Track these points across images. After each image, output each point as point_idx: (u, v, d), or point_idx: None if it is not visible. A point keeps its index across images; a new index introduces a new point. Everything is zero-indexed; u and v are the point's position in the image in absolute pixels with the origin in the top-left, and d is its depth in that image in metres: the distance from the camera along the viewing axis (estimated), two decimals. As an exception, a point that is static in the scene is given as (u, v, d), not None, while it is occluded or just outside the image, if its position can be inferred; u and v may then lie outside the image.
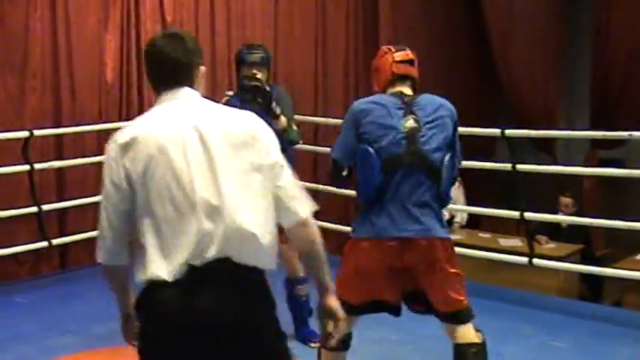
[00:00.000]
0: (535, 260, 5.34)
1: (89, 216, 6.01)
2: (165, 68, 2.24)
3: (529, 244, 5.56)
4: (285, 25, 7.33)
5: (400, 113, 3.06)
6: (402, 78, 3.19)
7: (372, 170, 3.03)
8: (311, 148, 7.06)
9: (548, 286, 5.82)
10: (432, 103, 3.15)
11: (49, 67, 5.87)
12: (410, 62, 3.23)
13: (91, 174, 5.75)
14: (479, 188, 7.75)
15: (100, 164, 6.53)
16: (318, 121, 7.20)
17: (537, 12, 7.77)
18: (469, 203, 7.01)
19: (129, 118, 6.22)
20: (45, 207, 5.55)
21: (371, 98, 3.18)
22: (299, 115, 7.01)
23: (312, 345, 4.10)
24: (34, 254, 5.72)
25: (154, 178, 2.08)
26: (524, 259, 5.39)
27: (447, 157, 3.11)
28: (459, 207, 6.91)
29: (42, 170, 5.57)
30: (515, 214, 5.44)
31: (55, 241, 5.63)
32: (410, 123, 3.05)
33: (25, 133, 5.38)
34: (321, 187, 6.45)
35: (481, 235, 6.96)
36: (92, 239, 6.26)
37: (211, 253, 2.04)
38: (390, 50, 3.25)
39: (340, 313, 2.29)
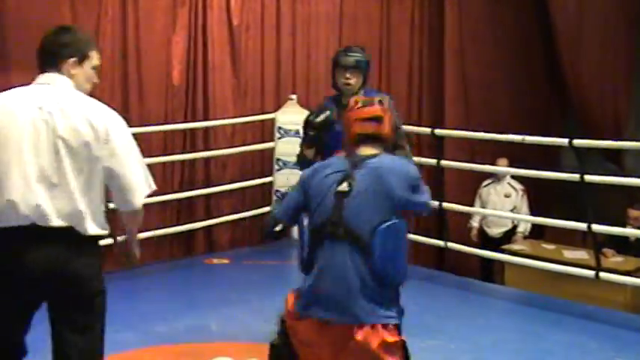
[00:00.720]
0: (602, 274, 5.20)
1: (152, 214, 6.15)
2: (41, 55, 2.79)
3: (596, 257, 5.41)
4: (350, 30, 7.35)
5: (339, 176, 2.69)
6: (367, 139, 2.79)
7: (303, 241, 2.75)
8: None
9: (613, 301, 5.66)
10: (384, 166, 2.70)
11: (119, 68, 6.00)
12: (377, 120, 2.80)
13: (157, 173, 5.84)
14: (544, 198, 7.60)
15: (164, 164, 6.64)
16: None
17: (609, 18, 7.58)
18: (533, 213, 6.87)
19: (194, 119, 6.33)
20: (112, 205, 5.65)
21: (324, 161, 2.90)
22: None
23: None
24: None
25: None
26: (591, 273, 5.25)
27: (383, 227, 2.62)
28: (522, 217, 6.79)
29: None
30: (583, 225, 5.29)
31: (119, 238, 5.72)
32: (342, 187, 2.67)
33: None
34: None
35: (545, 246, 6.81)
36: (156, 237, 6.41)
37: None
38: (357, 104, 2.87)
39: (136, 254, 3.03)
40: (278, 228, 2.89)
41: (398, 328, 2.70)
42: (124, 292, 5.58)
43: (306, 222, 2.75)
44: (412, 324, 4.67)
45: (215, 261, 5.88)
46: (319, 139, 3.88)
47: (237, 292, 5.24)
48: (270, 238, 2.93)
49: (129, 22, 5.99)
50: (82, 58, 2.78)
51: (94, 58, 2.84)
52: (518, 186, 6.99)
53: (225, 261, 5.87)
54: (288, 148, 6.55)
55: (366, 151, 2.76)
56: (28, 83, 5.68)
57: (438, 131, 6.27)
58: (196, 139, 6.39)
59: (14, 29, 5.41)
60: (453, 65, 7.83)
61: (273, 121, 6.67)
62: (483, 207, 7.01)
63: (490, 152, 7.24)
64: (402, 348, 2.68)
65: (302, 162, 4.02)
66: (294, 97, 6.76)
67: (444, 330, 4.59)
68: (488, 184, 7.11)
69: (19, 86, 5.35)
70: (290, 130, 6.60)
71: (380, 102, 2.85)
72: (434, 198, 6.21)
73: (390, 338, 2.62)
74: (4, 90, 5.39)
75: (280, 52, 6.90)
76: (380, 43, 7.56)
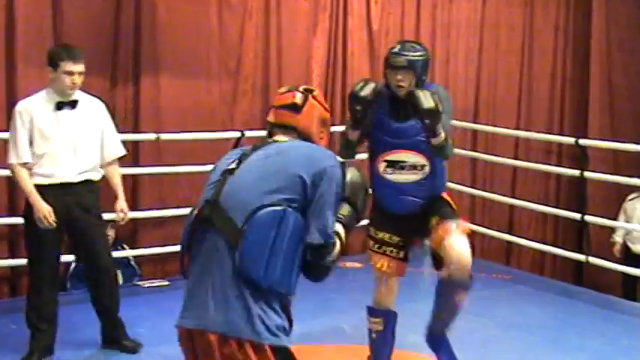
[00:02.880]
0: None
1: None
2: None
3: None
4: (491, 35, 7.21)
5: (234, 156, 2.29)
6: (278, 127, 2.35)
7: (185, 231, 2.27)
8: (510, 161, 6.88)
9: None
10: (287, 149, 2.23)
11: (260, 71, 6.16)
12: (292, 108, 2.34)
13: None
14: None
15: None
16: (520, 134, 7.04)
17: None
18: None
19: (332, 123, 6.39)
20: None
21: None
22: (501, 127, 6.93)
23: None
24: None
25: None
26: None
27: (263, 212, 2.07)
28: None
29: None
30: None
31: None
32: (230, 165, 2.23)
33: (236, 134, 5.69)
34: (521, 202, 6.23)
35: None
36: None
37: None
38: (278, 92, 2.47)
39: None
40: None
41: (278, 352, 2.10)
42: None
43: None
44: (551, 340, 4.58)
45: (348, 264, 5.90)
46: (365, 118, 3.49)
47: (369, 296, 5.23)
48: None
49: (271, 27, 6.14)
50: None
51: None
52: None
53: (358, 265, 5.88)
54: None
55: (278, 138, 2.33)
56: (176, 85, 5.95)
57: (582, 141, 6.02)
58: (333, 142, 6.44)
59: (164, 32, 5.67)
60: (599, 73, 7.52)
61: (409, 126, 6.63)
62: (628, 222, 6.67)
63: (635, 165, 6.90)
64: None
65: (346, 147, 3.63)
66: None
67: (586, 348, 4.39)
68: (635, 197, 6.74)
69: (165, 89, 5.66)
70: (427, 136, 6.54)
71: (307, 90, 2.40)
72: (576, 210, 6.07)
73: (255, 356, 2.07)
74: (154, 91, 5.68)
75: (418, 57, 6.85)
76: (522, 49, 7.37)
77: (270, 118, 2.37)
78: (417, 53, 3.51)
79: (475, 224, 6.80)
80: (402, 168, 3.52)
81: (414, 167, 3.51)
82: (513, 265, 7.11)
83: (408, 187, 3.52)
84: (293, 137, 2.30)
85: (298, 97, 2.33)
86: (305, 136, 2.30)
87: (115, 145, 4.25)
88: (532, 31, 7.41)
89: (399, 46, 3.56)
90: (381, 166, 3.55)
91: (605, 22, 7.52)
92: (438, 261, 3.54)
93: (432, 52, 6.88)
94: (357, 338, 3.85)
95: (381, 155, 3.56)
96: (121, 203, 4.28)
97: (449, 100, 3.61)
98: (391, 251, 3.61)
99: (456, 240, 3.40)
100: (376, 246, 3.64)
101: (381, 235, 3.62)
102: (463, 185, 6.74)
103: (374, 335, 3.69)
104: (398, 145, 3.51)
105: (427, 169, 3.51)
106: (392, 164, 3.53)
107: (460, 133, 6.91)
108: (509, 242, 7.00)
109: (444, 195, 3.65)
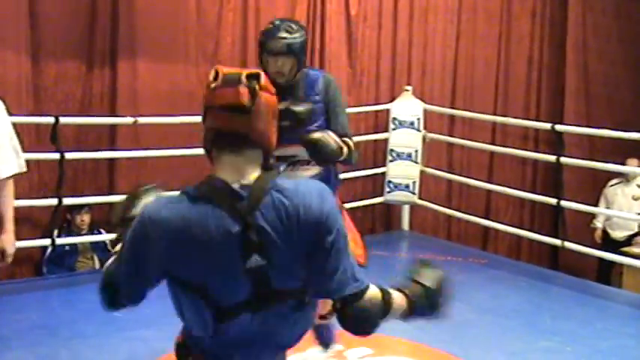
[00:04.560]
0: None
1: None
2: None
3: None
4: (469, 21, 7.23)
5: (234, 242, 1.69)
6: (227, 138, 1.73)
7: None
8: (487, 147, 6.92)
9: None
10: (290, 201, 1.69)
11: (238, 56, 6.13)
12: (239, 110, 1.70)
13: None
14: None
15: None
16: (496, 120, 7.09)
17: None
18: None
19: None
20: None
21: (166, 210, 1.72)
22: (479, 112, 6.97)
23: None
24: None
25: None
26: None
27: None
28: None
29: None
30: None
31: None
32: (255, 261, 1.67)
33: (214, 118, 5.65)
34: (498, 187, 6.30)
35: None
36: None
37: None
38: (211, 84, 1.73)
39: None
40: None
41: None
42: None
43: None
44: (526, 323, 4.64)
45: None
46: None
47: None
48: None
49: (249, 11, 6.10)
50: None
51: None
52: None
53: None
54: (402, 139, 6.55)
55: (231, 172, 1.71)
56: (154, 69, 5.92)
57: (558, 127, 6.07)
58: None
59: (142, 16, 5.62)
60: (575, 59, 7.57)
61: (387, 111, 6.65)
62: (608, 207, 6.75)
63: (610, 151, 6.97)
64: None
65: None
66: (409, 88, 6.71)
67: (560, 332, 4.45)
68: (616, 184, 6.83)
69: (143, 73, 5.62)
70: (405, 121, 6.57)
71: (251, 77, 1.72)
72: (552, 195, 6.13)
73: None
74: (131, 75, 5.64)
75: (396, 42, 6.87)
76: (499, 35, 7.40)
77: (211, 123, 1.72)
78: (296, 35, 3.14)
79: (452, 209, 6.86)
80: (294, 164, 3.21)
81: (307, 162, 3.19)
82: (490, 250, 7.18)
83: None
84: (248, 157, 1.73)
85: (244, 96, 1.68)
86: (259, 144, 1.74)
87: (4, 160, 3.17)
88: (509, 17, 7.44)
89: (273, 28, 3.15)
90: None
91: (582, 9, 7.56)
92: None
93: (410, 38, 6.92)
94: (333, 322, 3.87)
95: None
96: (4, 240, 3.24)
97: (339, 89, 3.31)
98: None
99: None
100: None
101: None
102: (440, 170, 6.78)
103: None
104: (286, 139, 2.77)
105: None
106: (283, 160, 3.18)
107: (437, 118, 6.94)
108: (485, 227, 7.06)
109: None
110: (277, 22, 3.24)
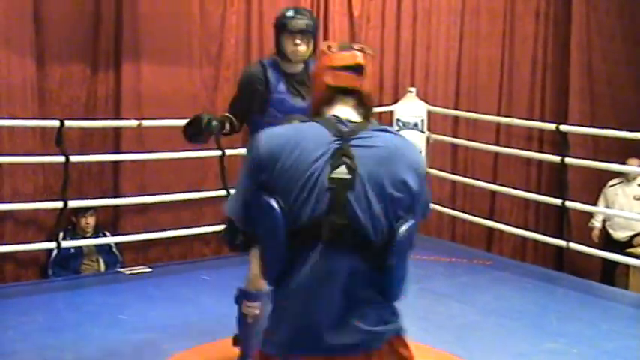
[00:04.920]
0: None
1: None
2: None
3: None
4: (472, 22, 7.24)
5: (328, 153, 1.89)
6: (342, 93, 2.04)
7: (276, 241, 1.89)
8: (491, 148, 6.91)
9: None
10: (388, 143, 1.94)
11: (242, 58, 6.15)
12: (357, 69, 2.05)
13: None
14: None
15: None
16: (501, 121, 7.08)
17: None
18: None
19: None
20: (232, 191, 5.80)
21: (286, 128, 2.03)
22: (482, 113, 6.96)
23: None
24: (219, 235, 6.01)
25: None
26: None
27: (403, 229, 1.89)
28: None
29: (230, 156, 5.82)
30: None
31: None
32: (340, 172, 1.87)
33: (218, 120, 5.66)
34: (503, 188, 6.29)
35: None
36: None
37: None
38: (330, 49, 2.10)
39: None
40: (239, 240, 2.24)
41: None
42: (242, 277, 5.76)
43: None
44: (531, 325, 4.63)
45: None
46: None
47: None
48: (236, 249, 2.29)
49: (253, 13, 6.12)
50: None
51: None
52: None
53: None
54: (406, 140, 6.55)
55: (343, 113, 2.01)
56: (158, 72, 5.95)
57: (563, 127, 6.06)
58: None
59: (146, 20, 5.64)
60: (579, 59, 7.56)
61: (391, 113, 6.65)
62: (608, 207, 6.74)
63: (615, 151, 6.97)
64: None
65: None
66: (413, 89, 6.72)
67: (566, 333, 4.45)
68: (616, 184, 6.81)
69: (147, 75, 5.64)
70: (409, 123, 6.57)
71: (361, 48, 2.09)
72: (556, 196, 6.12)
73: (408, 353, 2.01)
74: (135, 78, 5.64)
75: (400, 43, 6.88)
76: (503, 35, 7.40)
77: (329, 80, 2.04)
78: (313, 18, 3.43)
79: (456, 210, 6.85)
80: None
81: None
82: (494, 251, 7.18)
83: None
84: (357, 108, 2.03)
85: (361, 57, 2.05)
86: (366, 101, 2.05)
87: None
88: (513, 17, 7.44)
89: (293, 10, 3.40)
90: None
91: (585, 9, 7.56)
92: None
93: (413, 39, 6.93)
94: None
95: None
96: None
97: None
98: None
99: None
100: None
101: None
102: (444, 171, 6.78)
103: (250, 320, 3.47)
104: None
105: None
106: None
107: (441, 120, 6.94)
108: (490, 228, 7.05)
109: None
110: (293, 7, 3.54)
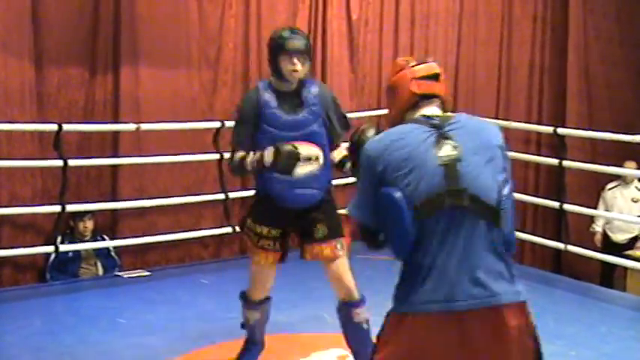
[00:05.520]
0: None
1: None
2: None
3: None
4: (470, 25, 7.24)
5: (431, 140, 2.25)
6: (426, 98, 2.41)
7: (402, 221, 2.21)
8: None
9: None
10: (473, 123, 2.37)
11: (240, 62, 6.15)
12: (435, 77, 2.45)
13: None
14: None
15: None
16: (499, 124, 7.07)
17: None
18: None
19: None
20: (231, 194, 5.82)
21: (385, 133, 2.38)
22: (479, 116, 6.95)
23: None
24: (217, 238, 6.03)
25: None
26: None
27: (507, 190, 2.27)
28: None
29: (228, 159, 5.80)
30: None
31: (238, 228, 5.86)
32: (447, 150, 2.25)
33: (216, 124, 5.68)
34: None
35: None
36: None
37: None
38: (408, 64, 2.48)
39: None
40: (382, 238, 2.40)
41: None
42: (241, 281, 5.76)
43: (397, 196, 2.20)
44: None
45: (329, 254, 5.91)
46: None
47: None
48: (378, 248, 2.42)
49: (251, 17, 6.13)
50: None
51: None
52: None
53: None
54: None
55: (429, 112, 2.36)
56: (156, 75, 5.94)
57: (560, 130, 6.07)
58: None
59: (144, 23, 5.64)
60: (576, 62, 7.57)
61: (389, 116, 6.64)
62: (607, 211, 6.75)
63: (613, 154, 6.98)
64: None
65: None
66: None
67: (564, 335, 4.44)
68: (614, 187, 6.82)
69: (145, 79, 5.64)
70: (407, 126, 6.56)
71: (433, 60, 2.53)
72: (555, 198, 6.13)
73: (532, 317, 2.26)
74: (133, 81, 5.65)
75: (398, 47, 6.87)
76: (500, 39, 7.41)
77: (415, 88, 2.40)
78: (308, 38, 3.49)
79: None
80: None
81: (308, 159, 3.37)
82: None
83: (303, 179, 3.38)
84: (438, 106, 2.41)
85: (437, 67, 2.48)
86: (444, 102, 2.45)
87: None
88: (510, 21, 7.45)
89: (289, 31, 3.43)
90: None
91: (582, 12, 7.57)
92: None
93: (411, 42, 6.94)
94: (337, 327, 3.87)
95: None
96: None
97: (335, 98, 3.54)
98: (269, 244, 3.51)
99: (341, 268, 3.55)
100: (255, 239, 3.52)
101: (259, 229, 3.50)
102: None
103: (251, 322, 3.67)
104: (290, 137, 3.34)
105: (321, 159, 3.42)
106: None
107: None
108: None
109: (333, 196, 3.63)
110: (288, 28, 3.55)
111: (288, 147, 3.27)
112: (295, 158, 3.29)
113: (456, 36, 7.17)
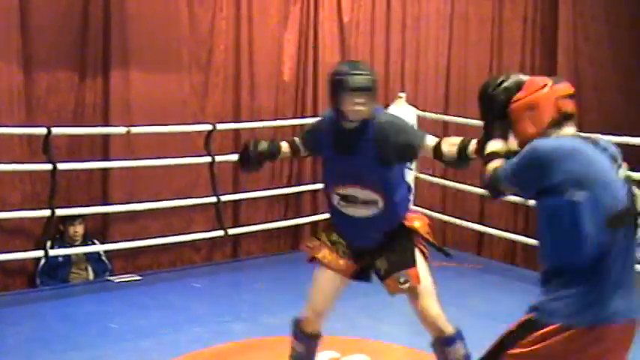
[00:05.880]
0: None
1: (261, 208, 6.25)
2: None
3: None
4: (461, 27, 7.26)
5: (606, 156, 2.40)
6: (569, 117, 2.48)
7: (584, 228, 2.29)
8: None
9: None
10: (602, 140, 2.51)
11: (231, 64, 6.13)
12: (573, 97, 2.55)
13: (266, 168, 5.93)
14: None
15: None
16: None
17: None
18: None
19: (303, 116, 6.39)
20: (223, 198, 5.79)
21: (561, 139, 2.43)
22: (472, 118, 6.95)
23: None
24: (209, 242, 6.00)
25: None
26: None
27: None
28: None
29: (220, 162, 5.78)
30: None
31: (230, 231, 5.86)
32: (622, 172, 2.44)
33: (208, 127, 5.65)
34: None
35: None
36: (263, 231, 6.54)
37: None
38: (547, 82, 2.53)
39: None
40: (502, 188, 2.52)
41: None
42: (233, 284, 5.76)
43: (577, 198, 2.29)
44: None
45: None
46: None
47: (350, 287, 5.25)
48: (500, 196, 2.60)
49: (242, 19, 6.11)
50: None
51: None
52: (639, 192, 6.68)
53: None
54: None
55: (572, 131, 2.48)
56: (147, 78, 5.91)
57: (551, 131, 6.07)
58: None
59: (134, 25, 5.61)
60: (566, 64, 7.59)
61: (380, 118, 6.64)
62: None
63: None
64: None
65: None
66: (403, 94, 6.72)
67: None
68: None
69: (136, 82, 5.61)
70: (398, 128, 6.56)
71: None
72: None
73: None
74: (124, 84, 5.62)
75: (389, 49, 6.88)
76: (491, 41, 7.43)
77: (564, 107, 2.48)
78: (373, 72, 3.16)
79: (447, 215, 6.86)
80: (355, 202, 3.20)
81: (365, 203, 3.18)
82: (485, 255, 7.18)
83: (363, 221, 3.20)
84: (575, 124, 2.51)
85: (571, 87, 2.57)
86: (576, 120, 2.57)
87: None
88: (501, 23, 7.47)
89: (350, 66, 3.16)
90: (335, 197, 3.25)
91: (572, 14, 7.60)
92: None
93: (403, 44, 6.95)
94: (329, 329, 3.85)
95: (332, 187, 3.26)
96: None
97: (405, 121, 3.36)
98: (340, 247, 3.28)
99: (421, 303, 3.26)
100: (325, 238, 3.33)
101: (333, 236, 3.31)
102: (434, 176, 6.78)
103: (295, 354, 3.45)
104: (346, 180, 3.18)
105: (380, 203, 3.17)
106: (344, 197, 3.21)
107: (431, 125, 6.94)
108: (480, 232, 7.06)
109: (408, 223, 3.36)
110: (350, 61, 3.55)
111: (252, 144, 3.28)
112: (255, 160, 3.32)
113: (447, 38, 7.18)
